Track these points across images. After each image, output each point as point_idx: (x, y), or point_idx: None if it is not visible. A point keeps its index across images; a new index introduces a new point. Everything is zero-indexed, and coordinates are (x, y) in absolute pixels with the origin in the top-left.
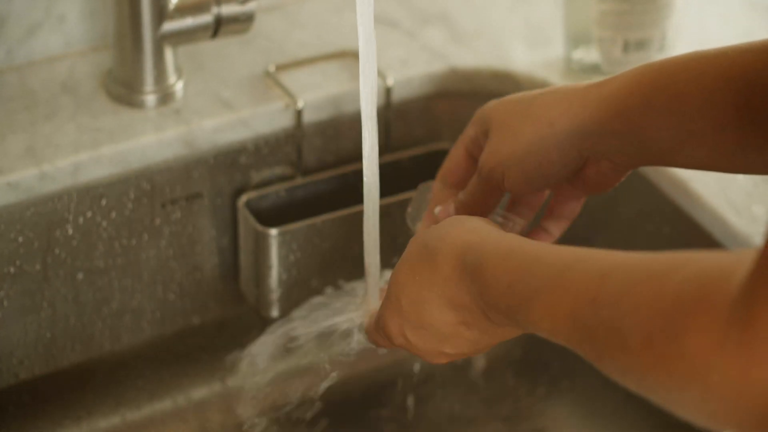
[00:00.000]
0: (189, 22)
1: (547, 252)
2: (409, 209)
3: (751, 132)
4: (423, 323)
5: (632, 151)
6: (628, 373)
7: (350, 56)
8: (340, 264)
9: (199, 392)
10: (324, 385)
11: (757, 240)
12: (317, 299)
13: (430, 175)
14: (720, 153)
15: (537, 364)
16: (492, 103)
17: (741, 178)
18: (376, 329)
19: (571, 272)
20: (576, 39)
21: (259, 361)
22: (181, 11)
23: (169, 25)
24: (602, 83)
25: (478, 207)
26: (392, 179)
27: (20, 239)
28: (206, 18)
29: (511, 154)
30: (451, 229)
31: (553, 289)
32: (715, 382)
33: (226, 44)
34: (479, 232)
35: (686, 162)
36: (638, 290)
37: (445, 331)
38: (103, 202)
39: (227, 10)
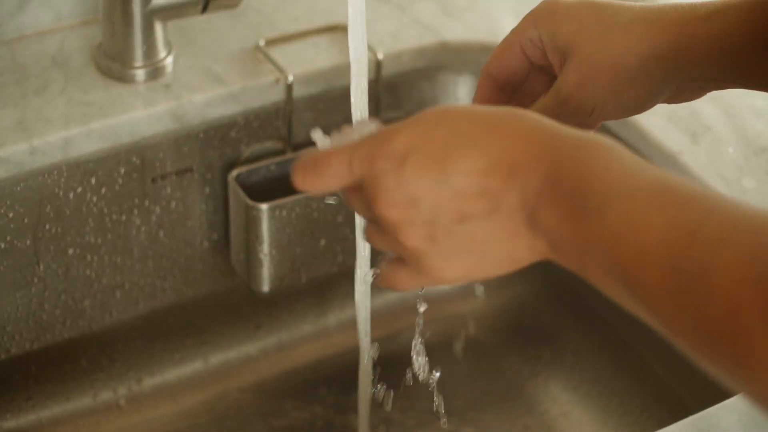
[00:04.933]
0: None
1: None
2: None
3: None
4: (445, 173)
5: (730, 78)
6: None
7: (340, 30)
8: (331, 239)
9: (190, 367)
10: None
11: None
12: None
13: None
14: None
15: (528, 337)
16: (568, 13)
17: (731, 152)
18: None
19: (670, 194)
20: None
21: None
22: None
23: (158, 0)
24: (708, 17)
25: None
26: None
27: (10, 214)
28: None
29: (609, 85)
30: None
31: (649, 200)
32: None
33: (216, 18)
34: (552, 127)
35: None
36: (735, 243)
37: (462, 206)
38: (93, 177)
39: None
